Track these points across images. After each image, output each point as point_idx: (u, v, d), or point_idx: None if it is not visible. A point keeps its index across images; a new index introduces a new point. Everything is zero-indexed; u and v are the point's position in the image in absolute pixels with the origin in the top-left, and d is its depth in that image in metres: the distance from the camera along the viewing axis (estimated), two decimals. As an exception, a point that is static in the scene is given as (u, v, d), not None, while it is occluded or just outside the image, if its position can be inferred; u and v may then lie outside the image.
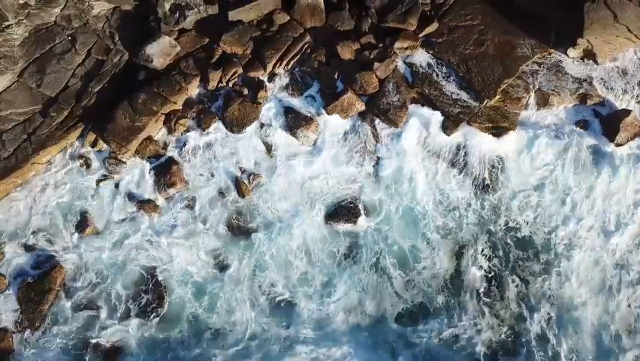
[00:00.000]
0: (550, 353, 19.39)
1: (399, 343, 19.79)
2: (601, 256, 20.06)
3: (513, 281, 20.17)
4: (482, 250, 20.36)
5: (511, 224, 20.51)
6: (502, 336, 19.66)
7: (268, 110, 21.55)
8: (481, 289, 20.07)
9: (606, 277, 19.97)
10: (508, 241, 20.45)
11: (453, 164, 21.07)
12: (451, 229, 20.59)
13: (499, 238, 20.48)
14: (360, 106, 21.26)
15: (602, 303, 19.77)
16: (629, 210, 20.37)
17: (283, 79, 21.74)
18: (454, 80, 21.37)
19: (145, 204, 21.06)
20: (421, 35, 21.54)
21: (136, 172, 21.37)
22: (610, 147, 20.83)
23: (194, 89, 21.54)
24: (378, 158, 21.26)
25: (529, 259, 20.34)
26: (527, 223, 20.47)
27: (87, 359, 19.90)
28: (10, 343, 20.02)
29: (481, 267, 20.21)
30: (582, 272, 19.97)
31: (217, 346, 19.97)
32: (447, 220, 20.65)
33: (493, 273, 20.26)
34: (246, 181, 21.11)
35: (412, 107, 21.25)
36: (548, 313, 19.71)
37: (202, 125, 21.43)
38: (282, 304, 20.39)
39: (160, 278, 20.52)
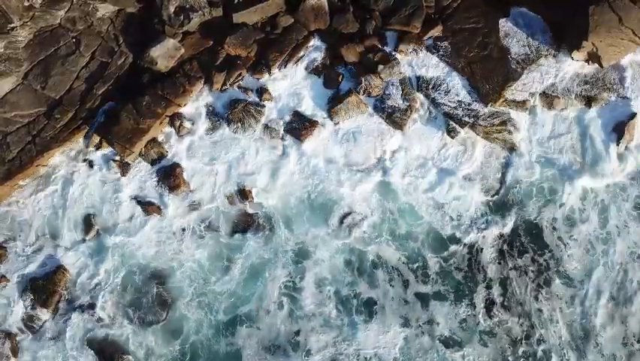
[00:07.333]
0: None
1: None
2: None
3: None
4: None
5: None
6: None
7: (272, 113, 21.57)
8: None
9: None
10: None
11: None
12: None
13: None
14: (365, 108, 21.29)
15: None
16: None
17: (287, 81, 21.71)
18: (458, 83, 21.37)
19: (148, 206, 21.08)
20: (425, 38, 21.52)
21: (139, 174, 21.37)
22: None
23: (198, 92, 21.54)
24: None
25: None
26: None
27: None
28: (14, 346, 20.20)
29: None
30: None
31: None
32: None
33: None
34: (250, 183, 21.12)
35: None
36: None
37: (206, 127, 21.44)
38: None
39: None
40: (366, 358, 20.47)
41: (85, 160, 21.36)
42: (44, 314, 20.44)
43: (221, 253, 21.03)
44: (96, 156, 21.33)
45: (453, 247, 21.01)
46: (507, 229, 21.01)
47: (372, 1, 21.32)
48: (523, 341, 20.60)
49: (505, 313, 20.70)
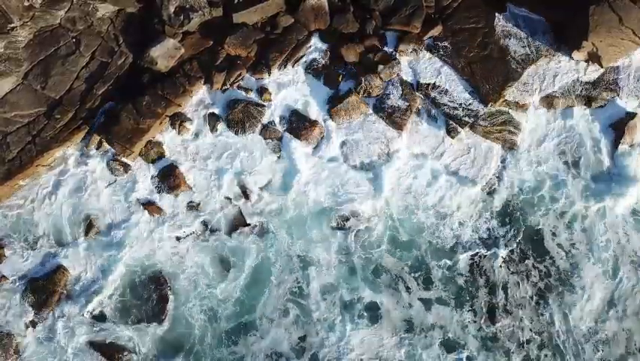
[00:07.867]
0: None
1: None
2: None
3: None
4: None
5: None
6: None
7: (272, 113, 21.55)
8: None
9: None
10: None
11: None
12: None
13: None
14: (365, 109, 21.29)
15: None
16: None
17: (287, 81, 21.71)
18: (458, 83, 21.38)
19: (149, 206, 21.07)
20: (425, 38, 21.52)
21: (139, 174, 21.34)
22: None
23: (198, 92, 21.54)
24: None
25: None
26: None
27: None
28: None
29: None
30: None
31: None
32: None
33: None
34: (249, 184, 21.12)
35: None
36: None
37: (206, 127, 21.45)
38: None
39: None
40: (370, 363, 20.57)
41: (85, 160, 21.34)
42: (44, 314, 20.47)
43: (222, 254, 20.99)
44: (96, 156, 21.31)
45: (455, 254, 20.99)
46: (508, 236, 21.00)
47: (372, 1, 21.32)
48: (525, 346, 20.60)
49: (507, 319, 20.72)
